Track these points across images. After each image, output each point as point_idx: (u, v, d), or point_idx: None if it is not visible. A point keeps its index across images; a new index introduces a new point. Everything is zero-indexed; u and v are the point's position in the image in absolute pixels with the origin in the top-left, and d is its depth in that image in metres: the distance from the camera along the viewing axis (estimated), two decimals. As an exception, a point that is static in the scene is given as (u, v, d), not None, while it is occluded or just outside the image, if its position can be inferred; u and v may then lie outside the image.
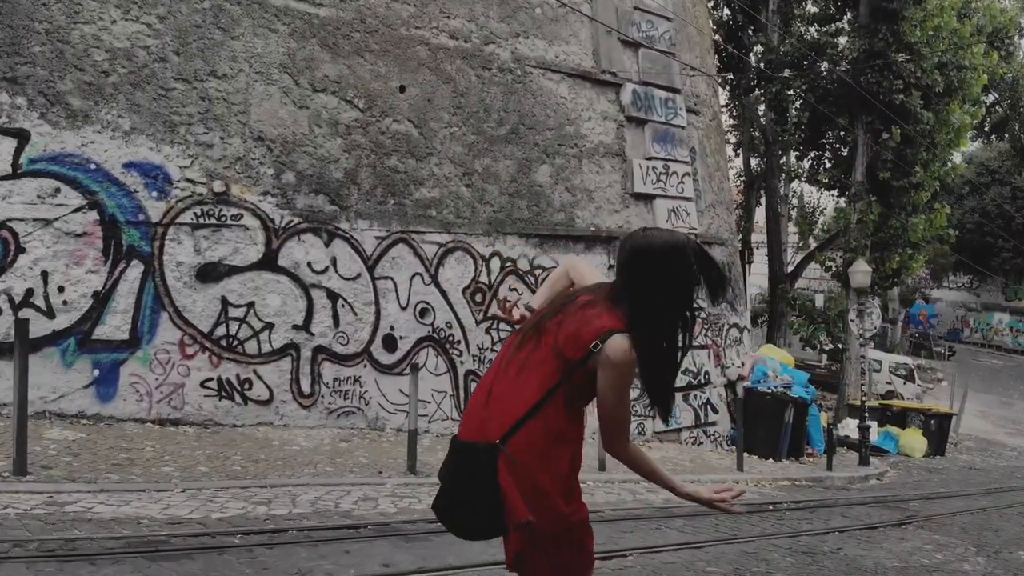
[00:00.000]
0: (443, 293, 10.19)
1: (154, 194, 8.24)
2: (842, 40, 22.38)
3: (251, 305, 8.70)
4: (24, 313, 7.46)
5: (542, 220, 11.24)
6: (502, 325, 10.61)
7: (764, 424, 13.05)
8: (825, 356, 28.10)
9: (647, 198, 12.66)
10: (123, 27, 8.21)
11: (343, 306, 9.32)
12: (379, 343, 9.59)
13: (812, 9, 24.51)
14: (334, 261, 9.29)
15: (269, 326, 8.80)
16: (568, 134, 11.70)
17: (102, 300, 7.92)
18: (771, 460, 12.76)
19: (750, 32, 23.42)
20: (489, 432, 2.35)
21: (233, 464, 7.01)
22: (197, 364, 8.37)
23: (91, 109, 8.00)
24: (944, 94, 19.29)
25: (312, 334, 9.08)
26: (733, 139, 28.61)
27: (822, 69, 21.09)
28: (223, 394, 8.49)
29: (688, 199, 13.26)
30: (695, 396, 12.88)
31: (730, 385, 14.00)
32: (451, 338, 10.23)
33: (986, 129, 41.80)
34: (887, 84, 18.66)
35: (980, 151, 44.48)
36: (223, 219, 8.59)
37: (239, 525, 4.96)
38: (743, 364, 14.37)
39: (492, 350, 10.44)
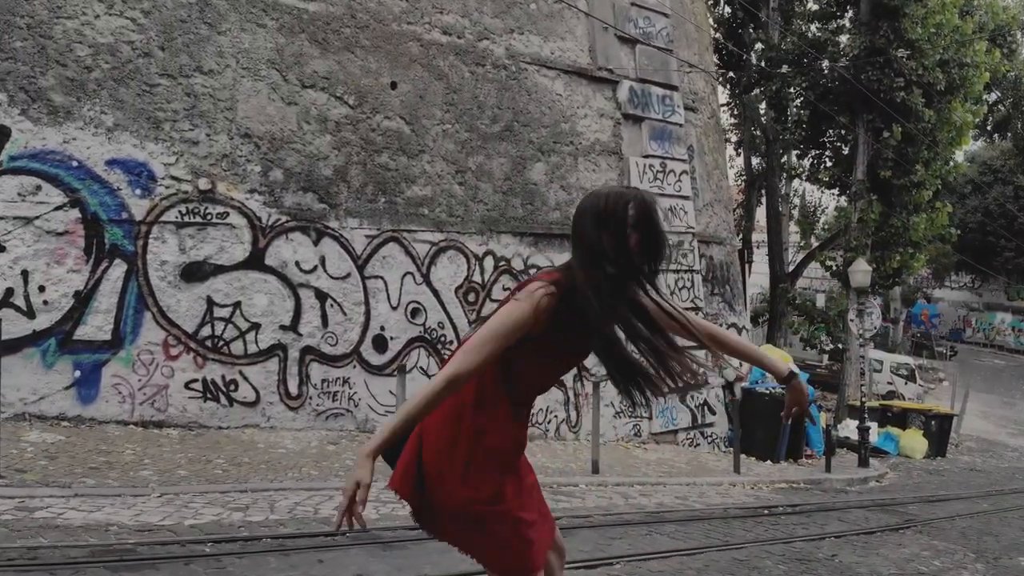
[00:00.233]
0: (435, 293, 10.03)
1: (138, 192, 8.09)
2: (843, 39, 22.18)
3: (237, 305, 8.55)
4: (4, 313, 7.34)
5: (537, 219, 11.08)
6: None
7: (762, 425, 12.87)
8: (826, 356, 27.91)
9: (643, 196, 12.47)
10: (107, 22, 8.06)
11: (332, 306, 9.17)
12: (369, 344, 9.43)
13: (813, 6, 24.32)
14: (323, 260, 9.14)
15: (256, 326, 8.64)
16: (563, 132, 11.54)
17: (84, 300, 7.77)
18: (769, 462, 12.59)
19: (751, 29, 23.23)
20: None
21: (214, 468, 6.86)
22: (181, 365, 8.22)
23: (73, 105, 7.85)
24: (946, 92, 19.07)
25: (300, 334, 8.92)
26: (734, 138, 28.45)
27: (823, 67, 20.90)
28: (208, 396, 8.34)
29: (686, 197, 13.09)
30: (692, 397, 12.71)
31: (728, 386, 13.83)
32: (443, 339, 10.07)
33: (988, 128, 41.55)
34: (888, 82, 18.46)
35: (983, 150, 44.24)
36: (209, 217, 8.44)
37: (211, 533, 4.81)
38: (741, 365, 14.20)
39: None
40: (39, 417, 7.48)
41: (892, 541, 7.26)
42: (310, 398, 8.95)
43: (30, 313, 7.53)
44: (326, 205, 9.20)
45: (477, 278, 10.41)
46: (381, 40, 9.82)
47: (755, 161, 26.89)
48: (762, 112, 24.83)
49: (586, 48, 12.11)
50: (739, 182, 28.85)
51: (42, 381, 7.53)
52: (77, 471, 6.20)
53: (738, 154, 28.72)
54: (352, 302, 9.32)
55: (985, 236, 39.29)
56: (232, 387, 8.48)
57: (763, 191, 25.51)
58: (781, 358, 13.71)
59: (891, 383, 26.08)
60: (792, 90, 22.20)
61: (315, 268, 9.08)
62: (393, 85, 9.88)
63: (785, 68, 20.59)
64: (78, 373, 7.69)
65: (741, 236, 24.77)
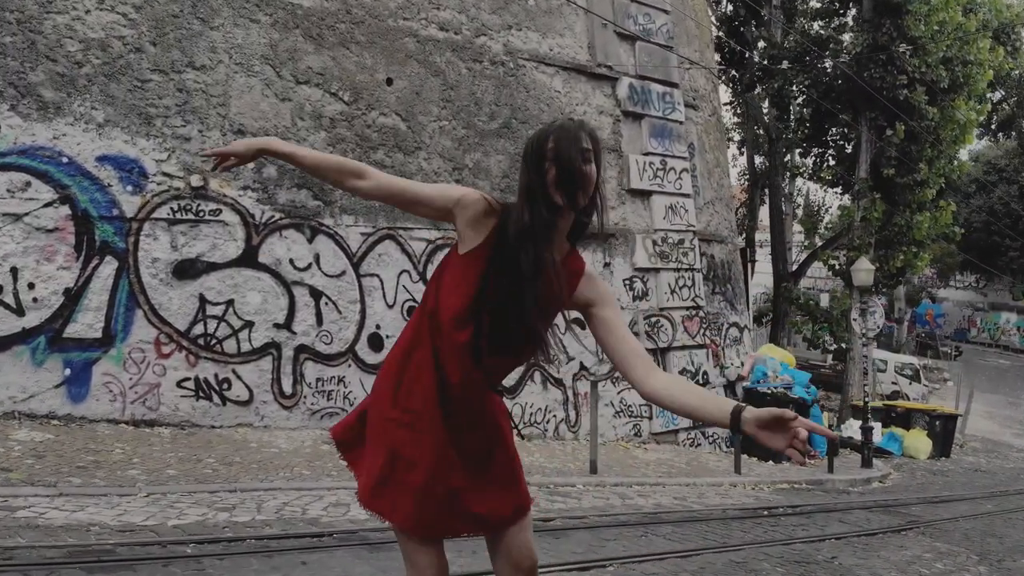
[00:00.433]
0: (431, 291, 9.91)
1: (129, 188, 7.99)
2: (846, 37, 22.04)
3: (230, 303, 8.45)
4: (-8, 310, 7.26)
5: (534, 216, 10.94)
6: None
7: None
8: (830, 356, 27.75)
9: (644, 194, 12.37)
10: (97, 17, 7.97)
11: (326, 304, 9.07)
12: (364, 342, 9.32)
13: (815, 4, 24.18)
14: (317, 258, 9.04)
15: (249, 324, 8.54)
16: (562, 128, 11.40)
17: (74, 297, 7.68)
18: (771, 462, 12.46)
19: (753, 27, 23.10)
20: None
21: (204, 467, 6.76)
22: (173, 363, 8.12)
23: (64, 101, 7.76)
24: (949, 90, 18.90)
25: (294, 333, 8.82)
26: (737, 137, 28.32)
27: (825, 65, 20.76)
28: (200, 394, 8.24)
29: (686, 195, 12.97)
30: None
31: (729, 385, 13.71)
32: (439, 337, 9.95)
33: (993, 127, 41.31)
34: (891, 79, 18.31)
35: (987, 149, 44.01)
36: (201, 214, 8.34)
37: (194, 533, 4.70)
38: (743, 364, 14.08)
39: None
40: (28, 416, 7.38)
41: (894, 543, 7.14)
42: (304, 397, 8.85)
43: (19, 311, 7.44)
44: (320, 202, 9.10)
45: (474, 276, 10.29)
46: (376, 36, 9.72)
47: (758, 160, 26.75)
48: (765, 111, 24.70)
49: (585, 44, 12.01)
50: (742, 181, 28.71)
51: (32, 379, 7.44)
52: (64, 470, 6.10)
53: (741, 153, 28.59)
54: (347, 300, 9.22)
55: (990, 235, 39.05)
56: (225, 386, 8.38)
57: (766, 190, 25.36)
58: (784, 358, 13.62)
59: (895, 383, 25.91)
60: (794, 88, 22.05)
61: (309, 266, 8.98)
62: (389, 81, 9.78)
63: (786, 64, 20.41)
64: (68, 371, 7.60)
65: (744, 235, 24.65)
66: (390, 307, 9.54)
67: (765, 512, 8.11)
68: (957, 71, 19.02)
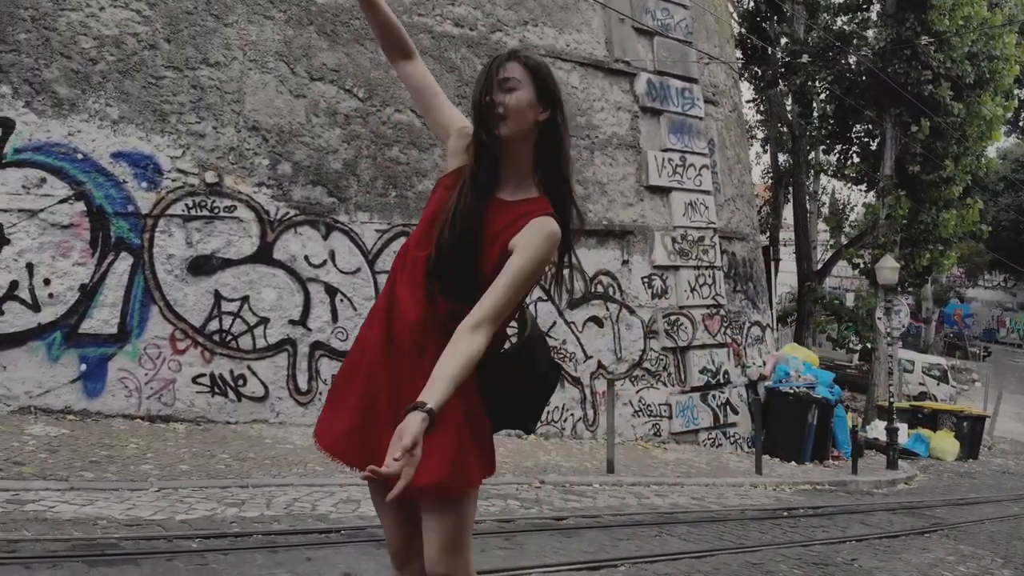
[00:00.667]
0: (447, 288, 9.85)
1: (144, 185, 8.01)
2: (870, 33, 21.72)
3: (245, 299, 8.44)
4: (9, 306, 7.30)
5: (551, 213, 10.85)
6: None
7: (786, 426, 12.57)
8: (855, 356, 27.40)
9: (663, 191, 12.23)
10: (112, 14, 7.99)
11: (342, 301, 9.03)
12: (379, 339, 9.26)
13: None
14: (332, 255, 9.01)
15: (264, 321, 8.53)
16: (580, 125, 11.31)
17: (89, 293, 7.70)
18: (793, 463, 12.27)
19: (775, 23, 22.84)
20: None
21: (217, 463, 6.74)
22: (189, 359, 8.12)
23: (78, 98, 7.79)
24: (975, 85, 18.56)
25: (309, 329, 8.80)
26: (760, 134, 28.03)
27: (849, 61, 20.47)
28: (216, 390, 8.23)
29: (706, 192, 12.81)
30: (714, 396, 12.42)
31: (751, 385, 13.52)
32: (455, 334, 9.88)
33: (1021, 124, 40.56)
34: (915, 75, 18.00)
35: (1016, 147, 43.24)
36: (216, 211, 8.33)
37: (201, 528, 4.67)
38: (764, 363, 13.88)
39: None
40: (44, 410, 7.41)
41: (916, 545, 6.97)
42: (320, 394, 8.81)
43: (35, 306, 7.47)
44: (335, 199, 9.07)
45: (491, 273, 10.21)
46: (392, 32, 9.66)
47: (782, 158, 26.46)
48: (788, 108, 24.41)
49: (602, 40, 11.89)
50: (766, 179, 28.41)
51: (47, 374, 7.47)
52: (76, 464, 6.10)
53: (765, 151, 28.30)
54: (362, 297, 9.18)
55: (1019, 234, 38.31)
56: (240, 382, 8.37)
57: (790, 188, 25.07)
58: (807, 358, 13.39)
59: (923, 384, 25.54)
60: (817, 84, 21.77)
61: (324, 262, 8.95)
62: (404, 77, 9.72)
63: (806, 58, 20.13)
64: (84, 367, 7.62)
65: (768, 234, 24.38)
66: (405, 304, 9.47)
67: (784, 513, 7.96)
68: (983, 66, 18.68)
